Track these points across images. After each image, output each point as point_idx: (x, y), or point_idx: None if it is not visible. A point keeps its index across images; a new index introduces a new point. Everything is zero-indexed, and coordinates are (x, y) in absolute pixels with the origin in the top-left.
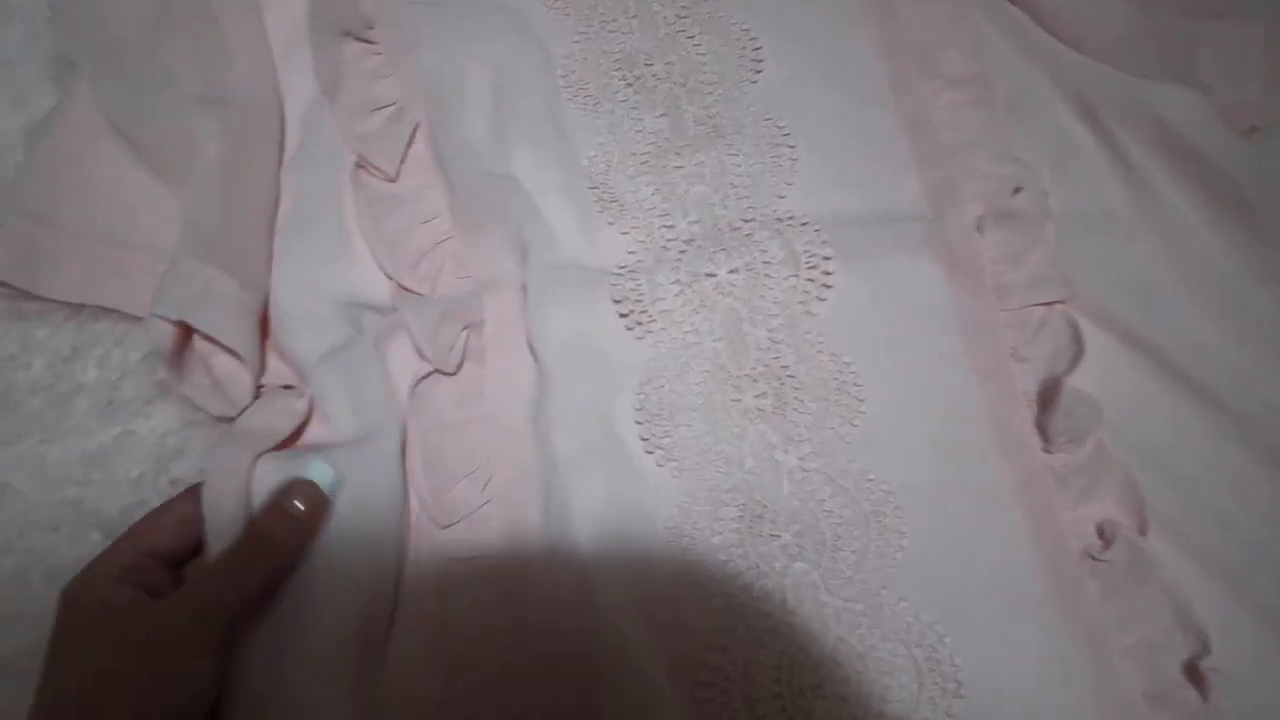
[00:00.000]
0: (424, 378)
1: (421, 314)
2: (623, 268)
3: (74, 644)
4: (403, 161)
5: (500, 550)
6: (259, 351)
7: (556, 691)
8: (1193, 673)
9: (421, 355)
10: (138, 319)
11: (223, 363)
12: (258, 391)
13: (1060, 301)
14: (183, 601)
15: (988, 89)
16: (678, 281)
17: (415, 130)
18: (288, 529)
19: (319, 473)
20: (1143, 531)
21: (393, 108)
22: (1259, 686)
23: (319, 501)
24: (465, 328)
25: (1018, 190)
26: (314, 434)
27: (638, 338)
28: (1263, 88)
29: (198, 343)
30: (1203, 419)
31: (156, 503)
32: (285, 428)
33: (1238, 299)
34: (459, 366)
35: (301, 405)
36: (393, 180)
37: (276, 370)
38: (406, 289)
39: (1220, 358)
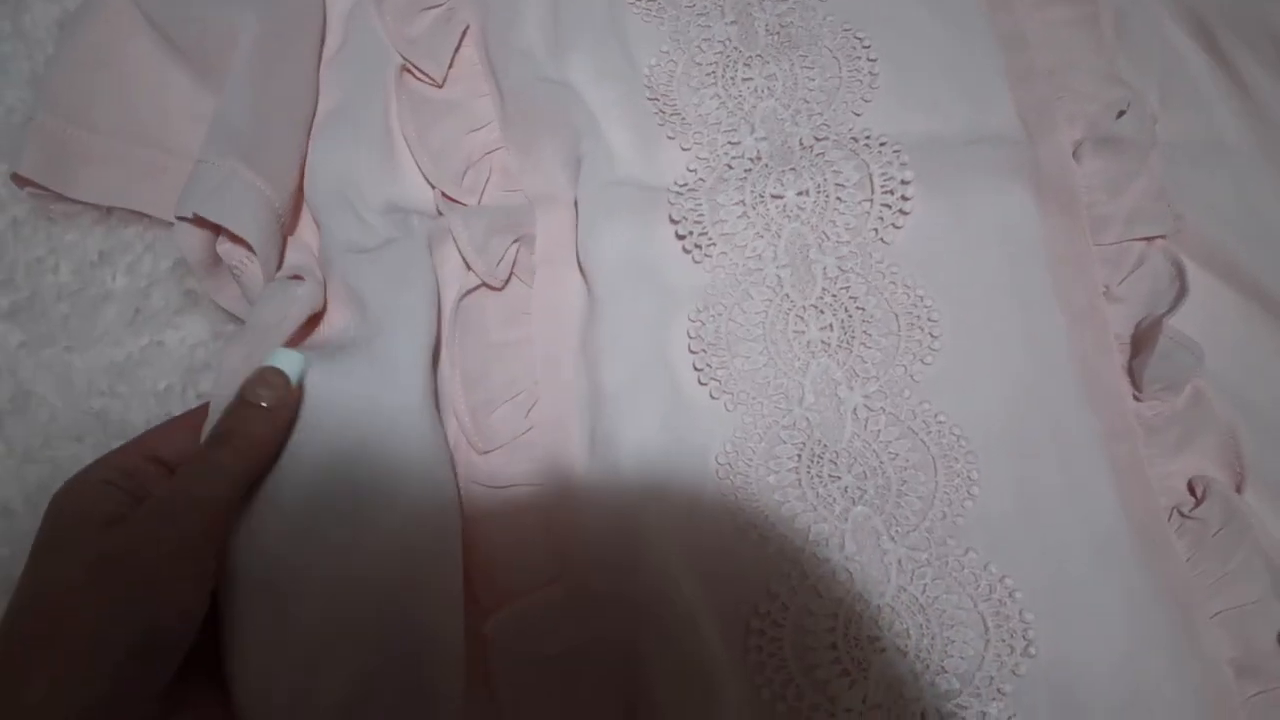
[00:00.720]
0: (469, 292)
1: (470, 223)
2: (682, 185)
3: (50, 552)
4: (451, 66)
5: (541, 480)
6: (277, 249)
7: (597, 628)
8: None
9: (469, 266)
10: (169, 225)
11: (242, 260)
12: None
13: (1162, 237)
14: (154, 510)
15: (1094, 5)
16: (741, 202)
17: (465, 33)
18: (256, 422)
19: (285, 360)
20: (1239, 489)
21: (442, 8)
22: None
23: (286, 389)
24: (516, 240)
25: (1121, 114)
26: (340, 320)
27: (696, 261)
28: None
29: (220, 244)
30: None
31: None
32: (296, 315)
33: None
34: (507, 282)
35: (305, 291)
36: (439, 86)
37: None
38: (452, 199)
39: None
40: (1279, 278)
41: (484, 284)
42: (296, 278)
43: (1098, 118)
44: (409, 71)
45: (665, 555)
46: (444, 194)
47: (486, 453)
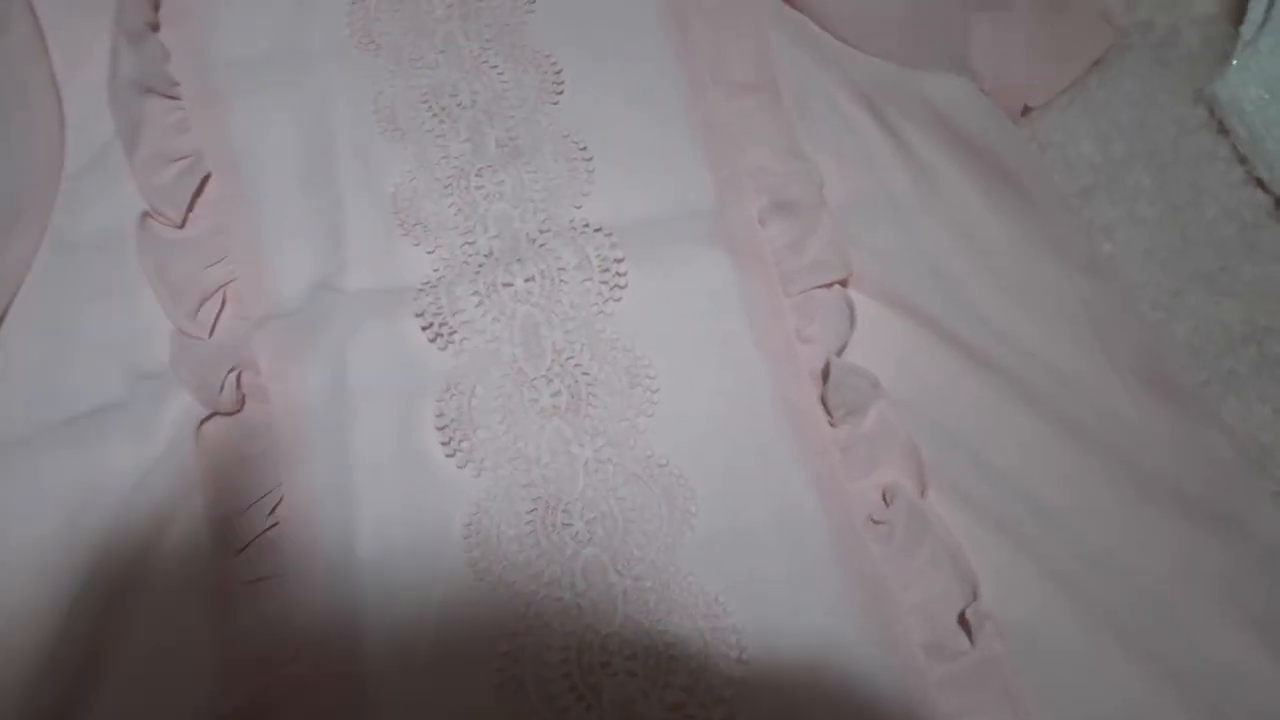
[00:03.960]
0: (205, 420)
1: (188, 359)
2: (425, 284)
3: None
4: (190, 210)
5: (288, 569)
6: None
7: (327, 703)
8: (964, 621)
9: (196, 399)
10: None
11: None
12: None
13: (841, 283)
14: None
15: (775, 92)
16: (477, 293)
17: (208, 179)
18: None
19: None
20: (923, 493)
21: (189, 159)
22: (1032, 626)
23: None
24: (232, 369)
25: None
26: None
27: (440, 349)
28: (1030, 72)
29: None
30: (984, 384)
31: None
32: None
33: (1013, 269)
34: (240, 405)
35: None
36: (180, 227)
37: None
38: (186, 334)
39: (999, 325)
40: (943, 306)
41: (216, 413)
42: None
43: (778, 188)
44: (151, 217)
45: (399, 619)
46: (180, 330)
47: (239, 551)
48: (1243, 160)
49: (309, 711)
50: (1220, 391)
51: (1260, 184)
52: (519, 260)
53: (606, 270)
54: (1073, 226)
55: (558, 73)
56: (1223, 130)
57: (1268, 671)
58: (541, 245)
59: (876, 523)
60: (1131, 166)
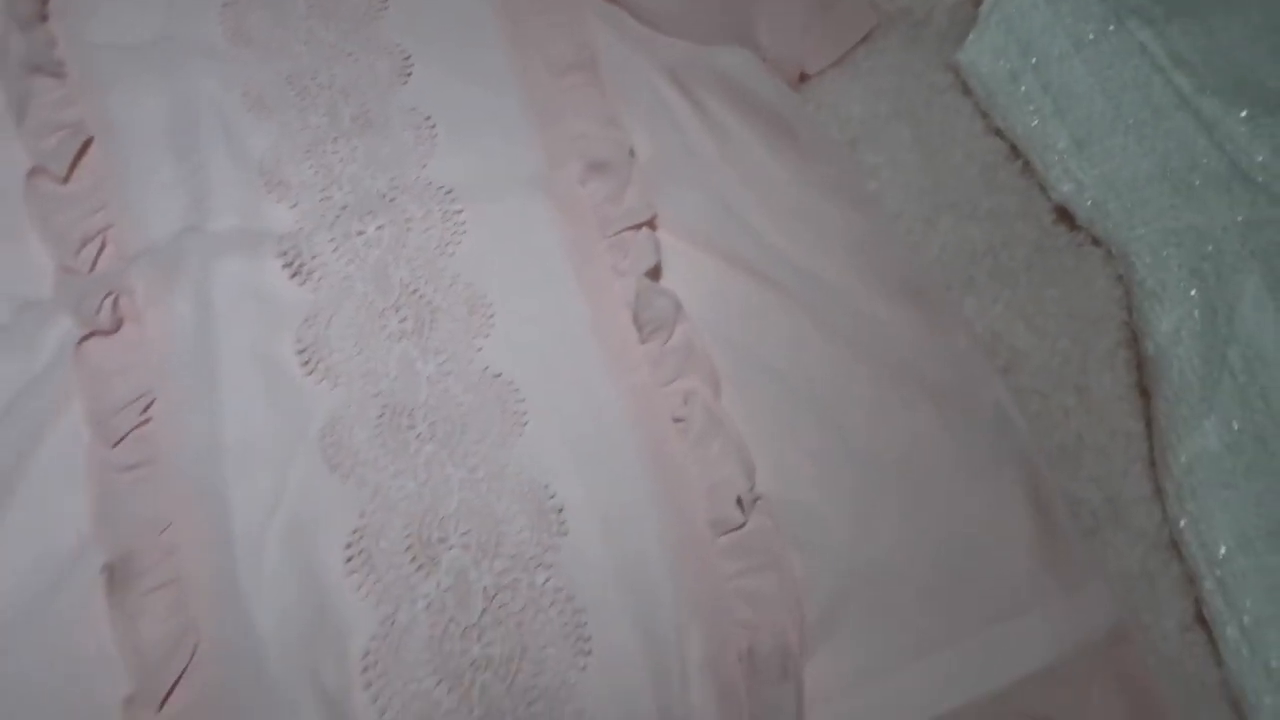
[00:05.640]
0: (84, 339)
1: (69, 288)
2: (286, 233)
3: None
4: (74, 168)
5: (159, 458)
6: None
7: (199, 560)
8: (739, 500)
9: (75, 322)
10: None
11: None
12: None
13: (648, 224)
14: None
15: (595, 71)
16: (333, 239)
17: (89, 143)
18: None
19: None
20: (716, 396)
21: (72, 128)
22: (798, 500)
23: None
24: (108, 294)
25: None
26: None
27: (299, 284)
28: (805, 47)
29: None
30: (767, 301)
31: None
32: None
33: (793, 205)
34: (118, 326)
35: None
36: (64, 183)
37: None
38: (68, 269)
39: (781, 251)
40: (735, 238)
41: (95, 332)
42: None
43: (593, 150)
44: (39, 174)
45: (260, 494)
46: (63, 268)
47: (115, 445)
48: (984, 115)
49: (183, 566)
50: (962, 295)
51: (998, 133)
52: (370, 212)
53: (448, 221)
54: (843, 169)
55: (406, 59)
56: (967, 91)
57: (1016, 519)
58: (391, 200)
59: (678, 420)
60: (893, 122)
